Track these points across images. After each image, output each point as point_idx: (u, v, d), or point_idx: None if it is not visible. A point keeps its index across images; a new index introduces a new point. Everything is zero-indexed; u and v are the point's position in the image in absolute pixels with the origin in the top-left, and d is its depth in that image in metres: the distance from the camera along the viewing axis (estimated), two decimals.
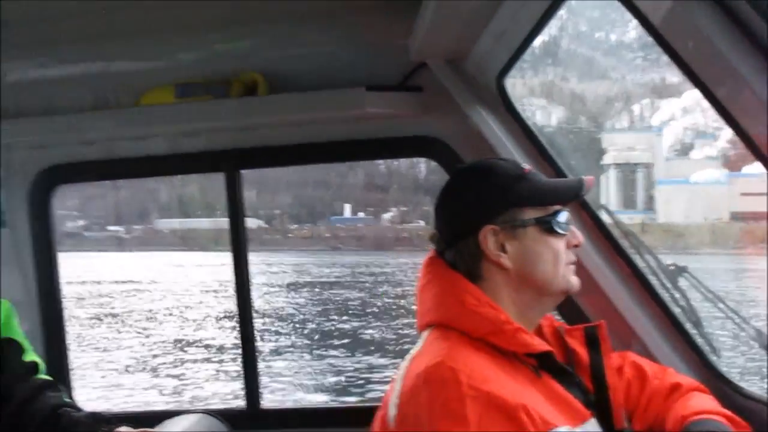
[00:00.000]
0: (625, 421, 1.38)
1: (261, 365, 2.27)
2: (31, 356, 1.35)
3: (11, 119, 2.15)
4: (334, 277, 22.97)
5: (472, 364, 1.19)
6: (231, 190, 2.16)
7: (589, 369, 1.39)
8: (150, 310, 17.12)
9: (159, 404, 9.56)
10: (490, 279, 1.33)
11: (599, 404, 1.34)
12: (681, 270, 1.68)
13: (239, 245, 2.18)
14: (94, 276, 21.43)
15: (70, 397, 1.75)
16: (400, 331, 13.71)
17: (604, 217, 1.81)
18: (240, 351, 2.23)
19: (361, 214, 34.65)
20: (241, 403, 2.21)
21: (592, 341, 1.42)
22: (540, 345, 1.28)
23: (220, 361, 11.83)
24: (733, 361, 5.03)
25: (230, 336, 13.49)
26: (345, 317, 16.05)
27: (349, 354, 12.68)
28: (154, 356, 12.75)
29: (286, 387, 10.53)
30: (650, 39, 1.32)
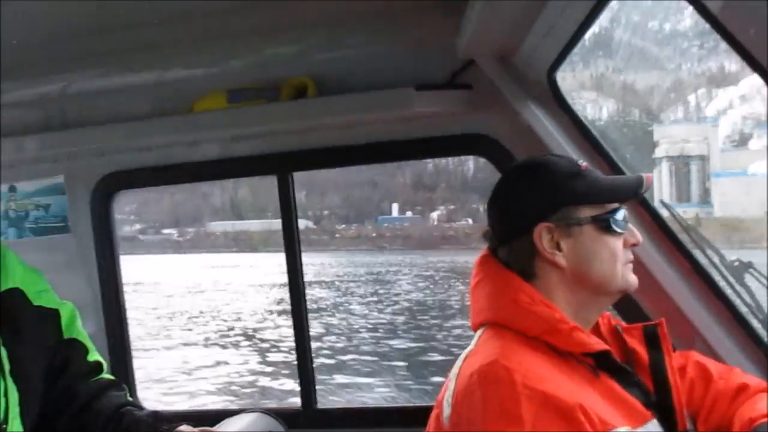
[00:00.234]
0: (689, 423, 1.33)
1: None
2: (95, 356, 1.38)
3: (74, 128, 2.25)
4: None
5: (527, 364, 1.18)
6: (283, 192, 2.19)
7: (649, 369, 1.34)
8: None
9: (220, 403, 9.72)
10: (544, 278, 1.31)
11: (660, 405, 1.30)
12: (746, 266, 1.61)
13: (293, 246, 2.21)
14: (156, 278, 22.12)
15: (133, 396, 1.81)
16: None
17: (663, 213, 1.76)
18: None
19: (408, 213, 34.65)
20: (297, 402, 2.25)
21: (652, 340, 1.37)
22: (597, 344, 1.25)
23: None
24: None
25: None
26: None
27: None
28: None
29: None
30: (706, 27, 1.28)
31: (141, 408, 1.36)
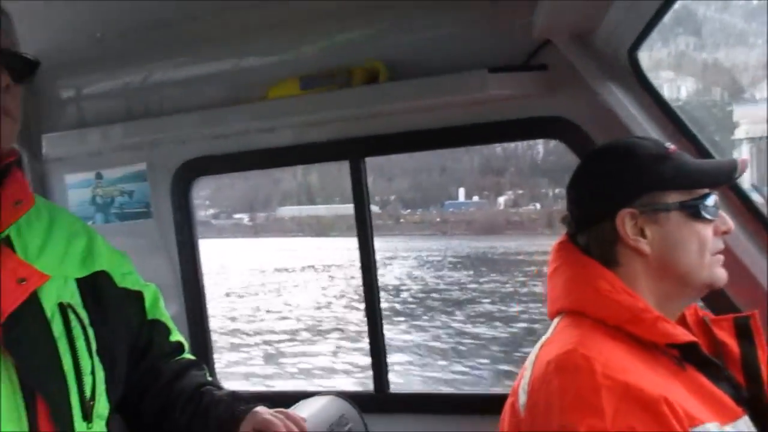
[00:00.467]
0: None
1: None
2: (177, 336, 1.40)
3: (155, 117, 2.32)
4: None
5: (607, 353, 1.12)
6: (356, 178, 2.20)
7: (740, 363, 1.27)
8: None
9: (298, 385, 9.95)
10: (626, 265, 1.25)
11: (753, 401, 1.22)
12: None
13: (365, 230, 2.22)
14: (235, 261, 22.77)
15: (212, 376, 1.86)
16: None
17: (755, 198, 1.66)
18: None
19: (475, 198, 34.29)
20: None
21: (744, 332, 1.29)
22: (684, 335, 1.19)
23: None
24: None
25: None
26: None
27: None
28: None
29: None
30: None
31: (220, 388, 1.37)
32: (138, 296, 1.32)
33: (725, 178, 1.29)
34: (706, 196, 1.25)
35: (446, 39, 2.02)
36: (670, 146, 1.30)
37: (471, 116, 2.02)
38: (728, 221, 1.27)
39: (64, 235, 1.20)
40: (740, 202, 1.64)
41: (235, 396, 1.32)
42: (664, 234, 1.23)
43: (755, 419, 1.20)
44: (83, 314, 1.14)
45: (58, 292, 1.12)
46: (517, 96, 1.94)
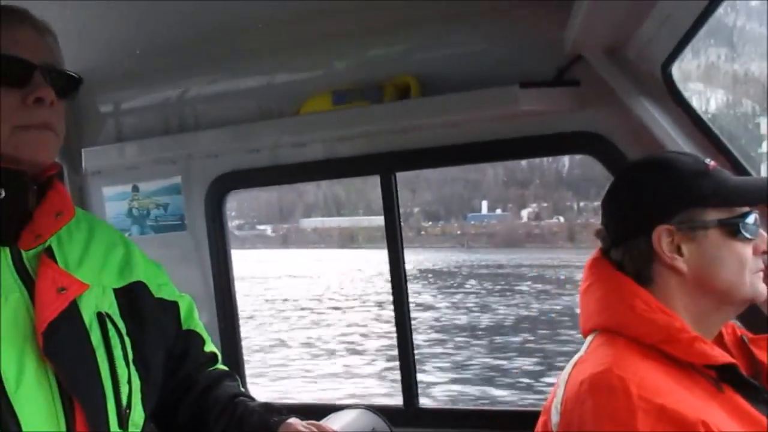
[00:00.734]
0: None
1: None
2: (210, 347, 1.42)
3: (190, 132, 2.37)
4: None
5: (642, 374, 1.09)
6: (386, 192, 2.21)
7: None
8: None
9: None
10: (661, 283, 1.22)
11: None
12: None
13: (395, 244, 2.22)
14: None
15: (243, 386, 1.87)
16: None
17: None
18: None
19: (498, 211, 34.09)
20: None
21: None
22: (722, 356, 1.15)
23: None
24: None
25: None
26: None
27: None
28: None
29: None
30: None
31: (252, 399, 1.38)
32: (174, 307, 1.34)
33: (767, 197, 1.26)
34: (746, 214, 1.22)
35: (478, 54, 2.03)
36: (710, 162, 1.27)
37: (502, 131, 2.02)
38: None
39: (102, 245, 1.23)
40: None
41: (268, 407, 1.33)
42: (702, 252, 1.21)
43: None
44: (121, 324, 1.16)
45: (97, 301, 1.14)
46: (548, 111, 1.93)
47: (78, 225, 1.21)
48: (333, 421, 1.47)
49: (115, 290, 1.19)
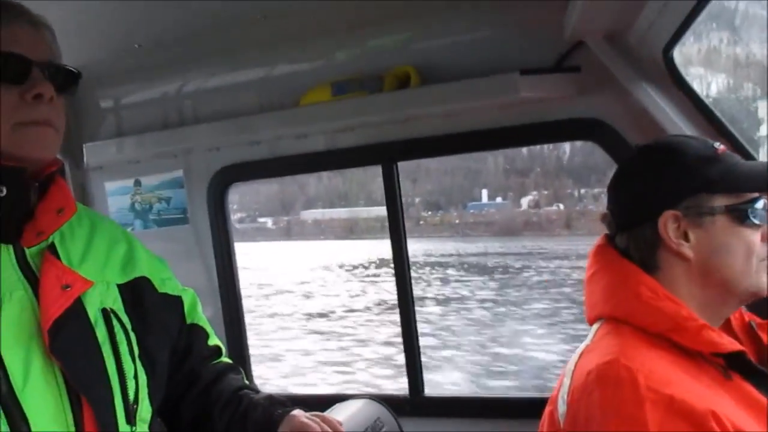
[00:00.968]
0: None
1: None
2: (214, 341, 1.41)
3: (190, 125, 2.37)
4: None
5: (650, 364, 1.07)
6: (388, 182, 2.21)
7: None
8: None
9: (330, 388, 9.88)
10: (666, 270, 1.20)
11: None
12: None
13: (398, 234, 2.22)
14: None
15: (248, 378, 1.87)
16: None
17: None
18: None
19: (498, 199, 34.09)
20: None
21: None
22: (730, 344, 1.13)
23: None
24: None
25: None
26: None
27: None
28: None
29: None
30: None
31: (257, 391, 1.38)
32: (178, 301, 1.33)
33: None
34: (755, 200, 1.19)
35: (477, 42, 2.02)
36: (719, 146, 1.24)
37: (503, 119, 2.01)
38: None
39: (105, 241, 1.23)
40: None
41: (272, 399, 1.32)
42: (709, 239, 1.19)
43: None
44: (125, 319, 1.16)
45: (101, 297, 1.14)
46: (549, 98, 1.93)
47: (80, 221, 1.21)
48: (338, 412, 1.47)
49: (119, 286, 1.19)
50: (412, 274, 2.32)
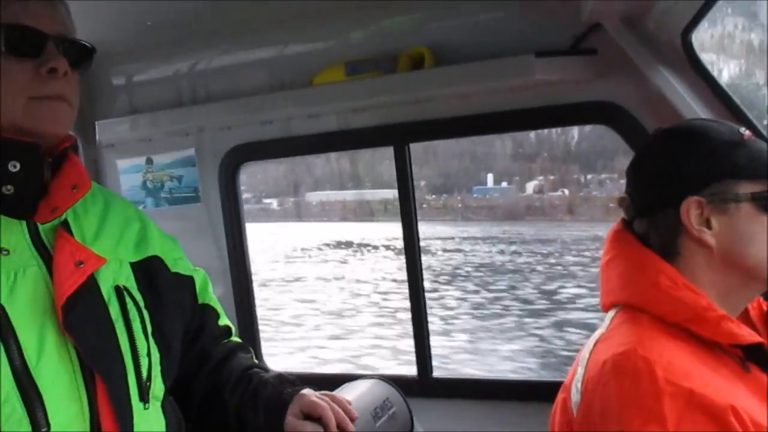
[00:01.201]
0: None
1: None
2: (224, 320, 1.42)
3: (202, 104, 2.35)
4: None
5: (668, 355, 1.05)
6: (400, 163, 2.20)
7: None
8: None
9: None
10: (687, 257, 1.17)
11: None
12: None
13: (409, 216, 2.22)
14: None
15: (258, 357, 1.88)
16: None
17: None
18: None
19: (504, 184, 33.96)
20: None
21: None
22: (750, 335, 1.11)
23: None
24: None
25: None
26: None
27: None
28: None
29: None
30: None
31: (267, 370, 1.39)
32: (190, 281, 1.34)
33: None
34: None
35: (492, 23, 1.99)
36: (745, 132, 1.20)
37: (517, 101, 2.00)
38: None
39: (118, 219, 1.23)
40: None
41: (282, 378, 1.33)
42: (732, 226, 1.16)
43: None
44: (138, 297, 1.16)
45: (114, 275, 1.14)
46: (564, 81, 1.90)
47: (93, 199, 1.21)
48: (347, 391, 1.47)
49: (132, 264, 1.19)
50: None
